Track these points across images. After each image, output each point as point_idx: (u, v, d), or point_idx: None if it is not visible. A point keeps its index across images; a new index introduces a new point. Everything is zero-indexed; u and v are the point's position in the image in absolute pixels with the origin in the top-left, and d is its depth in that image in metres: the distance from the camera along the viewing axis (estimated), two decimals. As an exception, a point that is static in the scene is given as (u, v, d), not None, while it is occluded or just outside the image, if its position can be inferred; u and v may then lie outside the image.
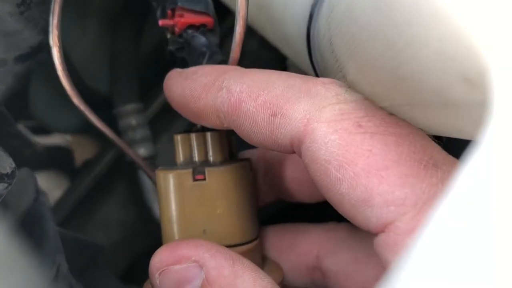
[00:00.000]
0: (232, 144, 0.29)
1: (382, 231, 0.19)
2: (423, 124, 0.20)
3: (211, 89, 0.24)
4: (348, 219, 0.21)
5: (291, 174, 0.30)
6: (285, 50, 0.31)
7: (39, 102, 0.42)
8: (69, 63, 0.38)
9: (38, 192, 0.30)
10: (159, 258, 0.25)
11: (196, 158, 0.28)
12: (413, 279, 0.10)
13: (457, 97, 0.13)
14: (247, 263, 0.24)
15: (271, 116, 0.22)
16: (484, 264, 0.09)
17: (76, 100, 0.29)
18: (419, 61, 0.14)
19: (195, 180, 0.26)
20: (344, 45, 0.20)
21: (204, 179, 0.26)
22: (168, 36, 0.28)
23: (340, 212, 0.21)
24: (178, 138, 0.28)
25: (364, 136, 0.20)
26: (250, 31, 0.38)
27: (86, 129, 0.43)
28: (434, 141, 0.21)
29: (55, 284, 0.27)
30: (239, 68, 0.25)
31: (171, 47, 0.28)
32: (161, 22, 0.27)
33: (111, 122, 0.41)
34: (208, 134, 0.28)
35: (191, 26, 0.27)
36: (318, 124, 0.21)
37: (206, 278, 0.24)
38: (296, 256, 0.30)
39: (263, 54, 0.39)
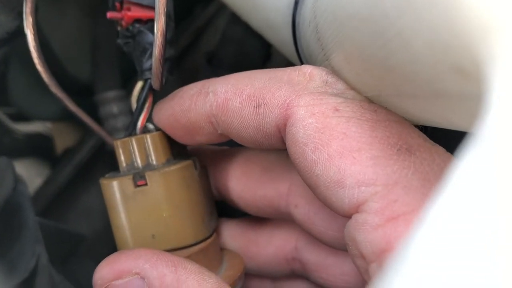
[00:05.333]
0: (177, 143, 0.28)
1: (356, 212, 0.20)
2: (412, 114, 0.20)
3: (199, 97, 0.25)
4: (325, 204, 0.21)
5: (235, 186, 0.30)
6: (270, 37, 0.30)
7: (18, 89, 0.41)
8: (49, 49, 0.38)
9: (17, 181, 0.29)
10: (100, 275, 0.24)
11: (138, 162, 0.27)
12: (411, 277, 0.10)
13: (449, 88, 0.13)
14: (190, 266, 0.24)
15: (256, 107, 0.23)
16: (487, 265, 0.09)
17: (53, 87, 0.28)
18: (410, 50, 0.14)
19: (136, 186, 0.26)
20: (331, 34, 0.20)
21: (146, 184, 0.26)
22: (118, 29, 0.27)
23: (317, 196, 0.22)
24: (118, 143, 0.27)
25: (340, 120, 0.20)
26: (234, 18, 0.37)
27: (67, 116, 0.43)
28: (417, 127, 0.21)
29: (34, 275, 0.27)
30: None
31: (119, 41, 0.28)
32: (109, 15, 0.26)
33: (93, 109, 0.40)
34: (148, 136, 0.27)
35: (138, 21, 0.27)
36: (297, 108, 0.21)
37: None
38: (274, 248, 0.30)
39: (248, 41, 0.39)
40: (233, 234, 0.31)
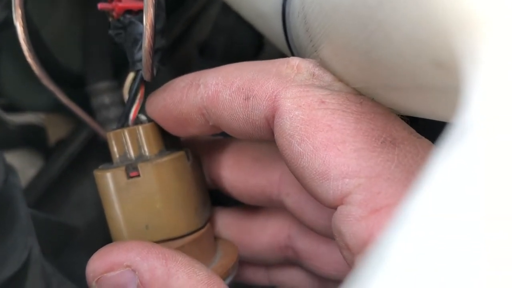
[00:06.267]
0: (170, 134, 0.28)
1: (341, 203, 0.20)
2: (398, 106, 0.20)
3: (190, 89, 0.25)
4: (312, 195, 0.21)
5: (228, 175, 0.30)
6: (261, 27, 0.30)
7: (9, 79, 0.40)
8: (40, 40, 0.37)
9: (8, 173, 0.29)
10: (92, 268, 0.24)
11: (131, 153, 0.27)
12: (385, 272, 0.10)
13: (430, 82, 0.13)
14: (181, 259, 0.24)
15: (245, 100, 0.23)
16: (472, 263, 0.09)
17: (44, 80, 0.28)
18: (391, 44, 0.14)
19: (129, 177, 0.26)
20: (318, 25, 0.20)
21: (139, 175, 0.26)
22: (110, 20, 0.27)
23: (304, 188, 0.22)
24: (111, 135, 0.27)
25: (326, 112, 0.20)
26: (226, 7, 0.37)
27: (59, 107, 0.42)
28: (404, 119, 0.21)
29: (26, 267, 0.27)
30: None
31: (110, 32, 0.27)
32: (100, 6, 0.26)
33: (85, 100, 0.40)
34: (140, 128, 0.27)
35: (129, 11, 0.26)
36: (284, 100, 0.21)
37: (140, 282, 0.24)
38: (267, 236, 0.31)
39: (240, 31, 0.38)
40: (226, 223, 0.32)
